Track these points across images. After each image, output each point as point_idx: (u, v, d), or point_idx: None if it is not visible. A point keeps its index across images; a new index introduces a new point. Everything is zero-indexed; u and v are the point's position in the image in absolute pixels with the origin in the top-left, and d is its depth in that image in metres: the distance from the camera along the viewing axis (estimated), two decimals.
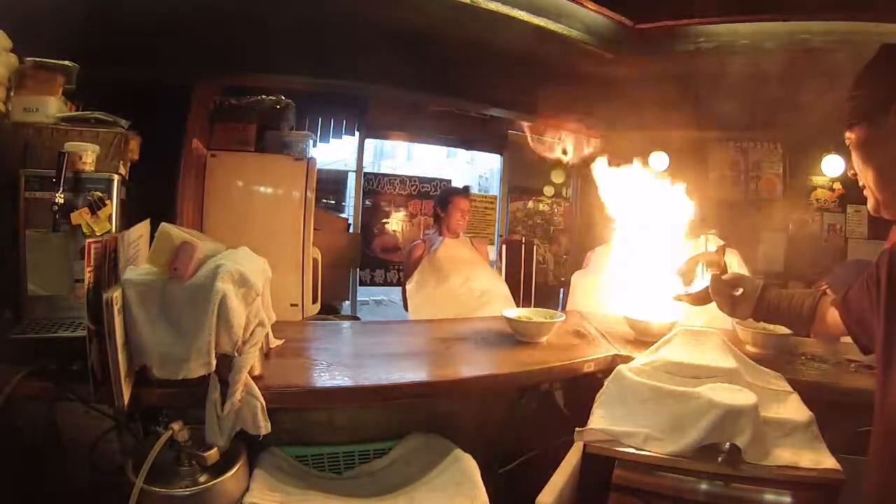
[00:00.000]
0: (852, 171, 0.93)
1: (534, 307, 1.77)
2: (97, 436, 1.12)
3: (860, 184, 0.92)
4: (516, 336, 1.58)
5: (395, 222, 4.39)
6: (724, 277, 1.39)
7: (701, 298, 1.44)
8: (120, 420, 1.11)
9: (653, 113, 3.10)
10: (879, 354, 0.90)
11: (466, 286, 2.66)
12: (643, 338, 1.58)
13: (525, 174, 4.61)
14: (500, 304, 2.48)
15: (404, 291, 2.81)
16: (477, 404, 1.43)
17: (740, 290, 1.35)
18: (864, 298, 1.02)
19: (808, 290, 1.30)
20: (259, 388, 1.08)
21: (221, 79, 2.79)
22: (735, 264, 2.83)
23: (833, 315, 1.17)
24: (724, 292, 1.38)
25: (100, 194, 1.31)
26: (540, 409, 1.48)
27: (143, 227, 1.25)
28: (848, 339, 1.15)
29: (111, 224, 1.32)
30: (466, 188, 3.15)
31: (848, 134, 0.90)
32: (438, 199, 3.00)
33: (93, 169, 1.36)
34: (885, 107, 0.82)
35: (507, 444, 1.44)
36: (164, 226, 1.10)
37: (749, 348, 1.52)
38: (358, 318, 3.80)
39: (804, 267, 3.90)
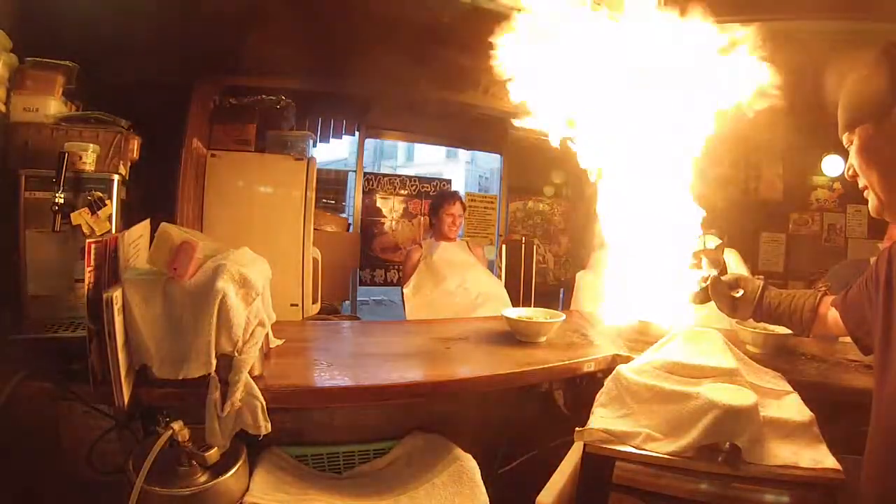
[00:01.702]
0: (851, 173, 0.92)
1: (534, 307, 1.77)
2: (97, 436, 1.11)
3: (860, 185, 0.91)
4: (516, 336, 1.58)
5: (395, 222, 4.39)
6: (723, 278, 1.39)
7: (701, 298, 1.44)
8: (120, 420, 1.11)
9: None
10: (877, 353, 0.90)
11: (463, 289, 2.66)
12: (643, 338, 1.58)
13: (525, 174, 4.61)
14: (497, 307, 2.48)
15: (403, 295, 2.81)
16: (477, 404, 1.43)
17: (740, 292, 1.35)
18: (864, 298, 1.02)
19: (808, 290, 1.30)
20: (259, 388, 1.08)
21: (221, 79, 2.79)
22: (734, 264, 2.83)
23: (834, 315, 1.17)
24: (723, 293, 1.37)
25: (100, 194, 1.31)
26: (540, 409, 1.48)
27: (143, 227, 1.25)
28: (848, 339, 1.15)
29: (111, 224, 1.32)
30: (456, 193, 3.14)
31: (848, 135, 0.89)
32: (430, 206, 3.00)
33: (93, 169, 1.37)
34: (890, 106, 0.81)
35: (507, 444, 1.44)
36: (164, 226, 1.10)
37: (749, 348, 1.51)
38: (358, 318, 3.80)
39: (804, 267, 3.91)
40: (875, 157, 0.85)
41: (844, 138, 0.90)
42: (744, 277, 1.39)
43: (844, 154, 0.94)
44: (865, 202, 0.92)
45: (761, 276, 1.49)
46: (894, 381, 0.82)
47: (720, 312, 1.42)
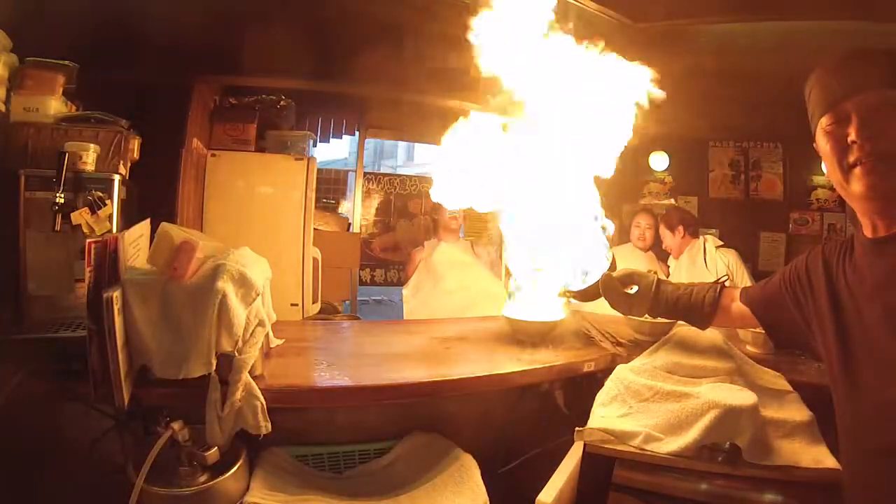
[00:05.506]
0: (867, 134, 0.79)
1: None
2: (97, 436, 1.11)
3: (860, 155, 0.80)
4: (516, 336, 1.58)
5: (395, 222, 4.38)
6: (615, 274, 1.34)
7: (590, 295, 1.41)
8: (120, 420, 1.11)
9: (653, 112, 3.09)
10: (835, 371, 0.88)
11: (462, 289, 2.66)
12: (642, 336, 1.58)
13: None
14: (498, 307, 2.48)
15: (403, 296, 2.82)
16: (477, 404, 1.43)
17: (634, 288, 1.31)
18: (786, 299, 1.01)
19: (705, 283, 1.27)
20: (259, 388, 1.08)
21: (221, 79, 2.79)
22: (733, 263, 2.84)
23: (740, 308, 1.17)
24: (617, 290, 1.33)
25: (100, 194, 1.31)
26: (540, 409, 1.48)
27: (143, 227, 1.25)
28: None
29: (111, 224, 1.32)
30: None
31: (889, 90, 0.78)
32: (432, 205, 3.01)
33: (93, 169, 1.37)
34: None
35: (507, 444, 1.44)
36: (164, 226, 1.10)
37: (749, 348, 1.51)
38: (358, 318, 3.80)
39: None
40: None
41: (874, 93, 0.79)
42: (637, 273, 1.33)
43: None
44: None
45: (653, 271, 1.39)
46: (871, 399, 0.81)
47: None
